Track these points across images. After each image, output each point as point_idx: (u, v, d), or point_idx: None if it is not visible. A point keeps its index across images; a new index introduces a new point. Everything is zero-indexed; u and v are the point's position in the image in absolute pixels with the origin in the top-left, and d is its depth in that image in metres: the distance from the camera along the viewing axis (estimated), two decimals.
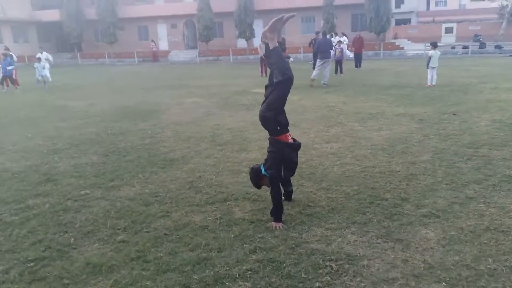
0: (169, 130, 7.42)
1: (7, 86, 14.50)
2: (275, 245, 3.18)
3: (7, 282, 2.80)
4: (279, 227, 3.44)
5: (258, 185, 3.79)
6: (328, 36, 14.98)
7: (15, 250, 3.22)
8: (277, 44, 3.39)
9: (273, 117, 3.44)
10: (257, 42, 35.18)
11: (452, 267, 2.78)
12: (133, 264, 2.99)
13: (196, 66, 27.87)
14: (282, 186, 3.85)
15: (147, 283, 2.75)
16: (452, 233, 3.26)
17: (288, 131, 3.59)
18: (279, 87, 3.38)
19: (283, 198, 3.78)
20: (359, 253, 3.03)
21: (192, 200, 4.14)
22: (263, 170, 3.60)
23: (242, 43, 35.55)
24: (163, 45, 38.90)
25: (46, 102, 11.77)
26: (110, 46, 37.30)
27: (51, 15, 38.82)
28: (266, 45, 3.38)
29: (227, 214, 3.80)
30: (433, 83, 12.01)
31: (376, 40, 31.20)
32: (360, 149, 5.74)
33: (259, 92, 12.14)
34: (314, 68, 20.25)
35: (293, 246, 3.16)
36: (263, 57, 14.55)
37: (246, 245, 3.19)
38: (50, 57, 17.55)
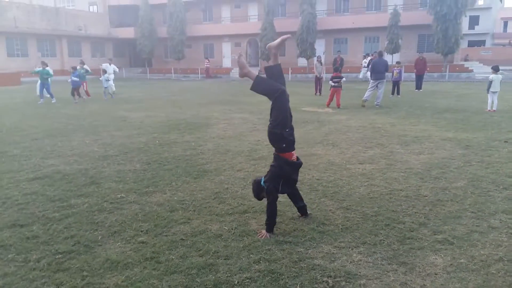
0: (211, 143, 7.78)
1: (78, 96, 15.90)
2: (279, 257, 3.29)
3: (37, 269, 3.19)
4: (268, 236, 3.63)
5: (259, 197, 3.91)
6: (375, 56, 15.22)
7: (49, 243, 3.64)
8: (256, 74, 3.74)
9: (280, 134, 3.59)
10: None
11: None
12: (146, 264, 3.25)
13: None
14: (292, 201, 3.98)
15: (154, 282, 2.99)
16: (462, 260, 3.16)
17: (293, 149, 3.73)
18: (276, 102, 3.60)
19: (298, 214, 4.01)
20: (359, 272, 3.05)
21: (214, 209, 4.37)
22: (262, 182, 3.76)
23: (302, 62, 35.86)
24: (227, 63, 40.38)
25: (109, 112, 12.79)
26: (177, 62, 39.47)
27: (127, 32, 42.01)
28: (255, 77, 3.70)
29: (243, 225, 3.97)
30: (493, 108, 11.35)
31: (442, 62, 29.93)
32: (393, 172, 5.65)
33: (309, 111, 12.28)
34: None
35: (296, 260, 3.25)
36: (318, 76, 14.72)
37: (252, 255, 3.34)
38: (117, 69, 18.70)
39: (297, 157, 3.82)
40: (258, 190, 3.86)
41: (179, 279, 3.01)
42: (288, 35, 3.94)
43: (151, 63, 42.73)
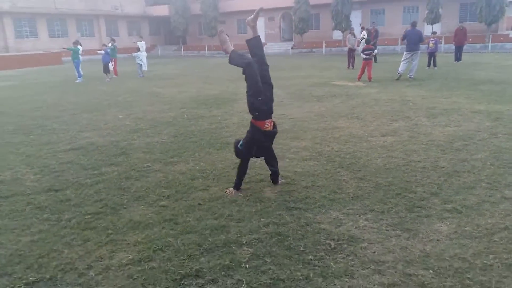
0: (236, 117, 7.98)
1: (108, 73, 16.43)
2: (288, 221, 3.48)
3: (67, 227, 3.55)
4: (233, 193, 4.09)
5: (238, 155, 4.18)
6: (407, 28, 14.79)
7: (80, 205, 4.00)
8: (233, 49, 4.05)
9: (252, 102, 3.86)
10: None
11: (447, 258, 2.81)
12: (165, 224, 3.53)
13: (288, 58, 28.33)
14: (266, 164, 4.37)
15: (170, 240, 3.26)
16: (467, 228, 3.22)
17: (268, 118, 3.96)
18: (246, 74, 3.88)
19: (270, 180, 4.38)
20: (363, 236, 3.19)
21: (232, 178, 4.56)
22: (240, 144, 4.07)
23: (337, 34, 35.03)
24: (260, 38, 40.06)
25: (143, 89, 13.24)
26: (211, 39, 39.61)
27: (161, 10, 42.46)
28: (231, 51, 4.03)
29: (258, 192, 4.18)
30: None
31: (486, 32, 28.33)
32: (414, 144, 5.64)
33: (339, 85, 12.18)
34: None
35: (304, 224, 3.42)
36: (351, 48, 14.44)
37: (263, 219, 3.54)
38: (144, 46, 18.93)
39: (274, 124, 4.05)
40: (237, 150, 4.13)
41: (193, 238, 3.27)
42: (261, 7, 4.23)
43: (185, 40, 43.17)
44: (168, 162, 5.26)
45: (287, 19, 39.14)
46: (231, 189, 4.18)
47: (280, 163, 5.03)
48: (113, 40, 17.63)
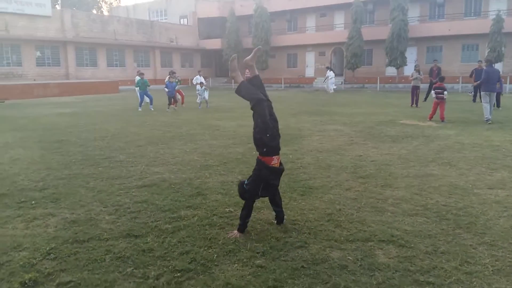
0: (310, 157, 7.40)
1: (174, 105, 16.50)
2: None
3: (157, 287, 3.05)
4: (237, 236, 3.86)
5: (243, 197, 3.97)
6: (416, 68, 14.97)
7: (166, 258, 3.51)
8: (242, 79, 4.00)
9: (260, 138, 3.77)
10: (409, 70, 33.48)
11: None
12: None
13: (340, 93, 27.78)
14: (271, 205, 4.19)
15: None
16: None
17: (275, 154, 3.87)
18: (255, 110, 3.81)
19: (274, 221, 4.23)
20: None
21: (331, 234, 3.97)
22: (245, 184, 3.89)
23: (391, 71, 34.21)
24: (309, 72, 40.01)
25: (202, 121, 13.05)
26: (261, 72, 39.90)
27: (214, 43, 43.63)
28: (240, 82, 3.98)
29: (369, 256, 3.52)
30: None
31: None
32: None
33: (409, 124, 11.41)
34: (474, 99, 18.29)
35: None
36: (415, 85, 13.70)
37: None
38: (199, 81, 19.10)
39: (280, 162, 3.96)
40: (242, 191, 3.93)
41: None
42: (259, 47, 4.48)
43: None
44: None
45: (338, 54, 38.90)
46: (235, 231, 3.94)
47: (381, 217, 4.39)
48: (174, 72, 17.88)
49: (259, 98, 3.78)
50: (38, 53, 32.38)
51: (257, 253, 3.58)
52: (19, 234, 4.03)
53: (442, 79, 12.32)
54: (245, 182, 3.91)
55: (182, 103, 17.81)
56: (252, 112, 3.88)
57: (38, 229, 4.16)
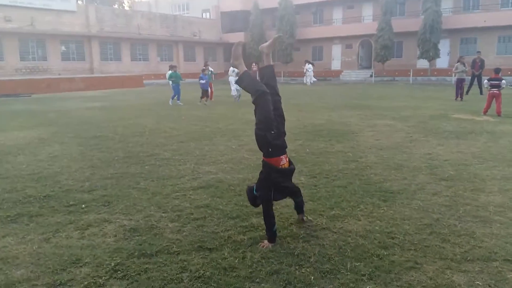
0: (372, 155, 6.74)
1: (206, 99, 15.99)
2: None
3: None
4: (269, 246, 3.40)
5: (255, 204, 3.61)
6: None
7: (254, 279, 2.93)
8: (246, 69, 3.60)
9: (264, 136, 3.36)
10: (441, 62, 32.26)
11: None
12: None
13: (370, 86, 26.83)
14: (290, 197, 3.80)
15: None
16: None
17: (283, 154, 3.48)
18: (258, 104, 3.40)
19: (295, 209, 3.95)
20: None
21: (442, 251, 3.33)
22: (254, 190, 3.52)
23: (422, 63, 32.97)
24: (336, 65, 39.01)
25: (236, 114, 12.50)
26: (285, 65, 39.15)
27: (237, 37, 42.67)
28: (240, 72, 3.62)
29: (500, 280, 2.88)
30: None
31: None
32: None
33: (464, 119, 10.61)
34: None
35: None
36: (460, 78, 12.85)
37: None
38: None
39: (289, 161, 3.58)
40: (253, 198, 3.57)
41: None
42: (280, 35, 4.21)
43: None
44: (331, 216, 4.12)
45: (366, 46, 37.78)
46: (266, 242, 3.46)
47: (491, 230, 3.73)
48: (207, 65, 17.36)
49: (262, 90, 3.38)
50: (63, 48, 32.35)
51: (362, 275, 2.97)
52: (76, 245, 3.53)
53: (498, 71, 11.39)
54: (254, 189, 3.55)
55: (211, 98, 17.29)
56: (254, 106, 3.48)
57: (96, 239, 3.65)
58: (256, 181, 3.62)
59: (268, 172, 3.46)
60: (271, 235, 3.48)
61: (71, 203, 4.59)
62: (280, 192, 3.55)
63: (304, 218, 3.97)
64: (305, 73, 29.95)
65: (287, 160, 3.55)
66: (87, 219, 4.12)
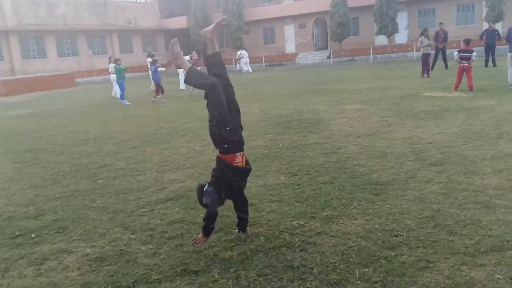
0: (351, 144, 6.79)
1: (161, 94, 15.54)
2: None
3: None
4: (203, 241, 3.48)
5: (202, 203, 3.52)
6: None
7: None
8: (190, 65, 3.64)
9: (219, 133, 3.37)
10: (400, 38, 33.37)
11: None
12: None
13: (330, 68, 27.28)
14: (234, 209, 3.78)
15: None
16: None
17: (239, 151, 3.49)
18: (209, 98, 3.41)
19: (236, 229, 3.84)
20: None
21: (452, 245, 3.36)
22: (206, 187, 3.50)
23: (380, 40, 33.96)
24: (290, 48, 39.29)
25: (191, 111, 12.21)
26: (235, 51, 38.92)
27: (179, 22, 42.16)
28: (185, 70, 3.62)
29: None
30: None
31: None
32: None
33: (437, 97, 11.00)
34: (486, 64, 18.17)
35: None
36: (425, 53, 13.25)
37: None
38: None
39: (246, 160, 3.57)
40: (201, 196, 3.50)
41: None
42: (224, 17, 4.00)
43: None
44: (324, 218, 4.06)
45: (321, 25, 38.36)
46: (200, 236, 3.50)
47: (497, 216, 3.82)
48: (153, 55, 16.88)
49: (211, 83, 3.38)
50: None
51: (374, 282, 2.93)
52: (33, 285, 3.24)
53: (468, 42, 11.87)
54: (205, 187, 3.53)
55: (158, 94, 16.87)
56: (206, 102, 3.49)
57: (56, 275, 3.37)
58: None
59: (222, 170, 3.49)
60: (208, 229, 3.46)
61: (17, 233, 4.23)
62: (231, 191, 3.57)
63: (243, 236, 3.77)
64: (239, 60, 30.68)
65: (244, 158, 3.54)
66: (41, 251, 3.81)
